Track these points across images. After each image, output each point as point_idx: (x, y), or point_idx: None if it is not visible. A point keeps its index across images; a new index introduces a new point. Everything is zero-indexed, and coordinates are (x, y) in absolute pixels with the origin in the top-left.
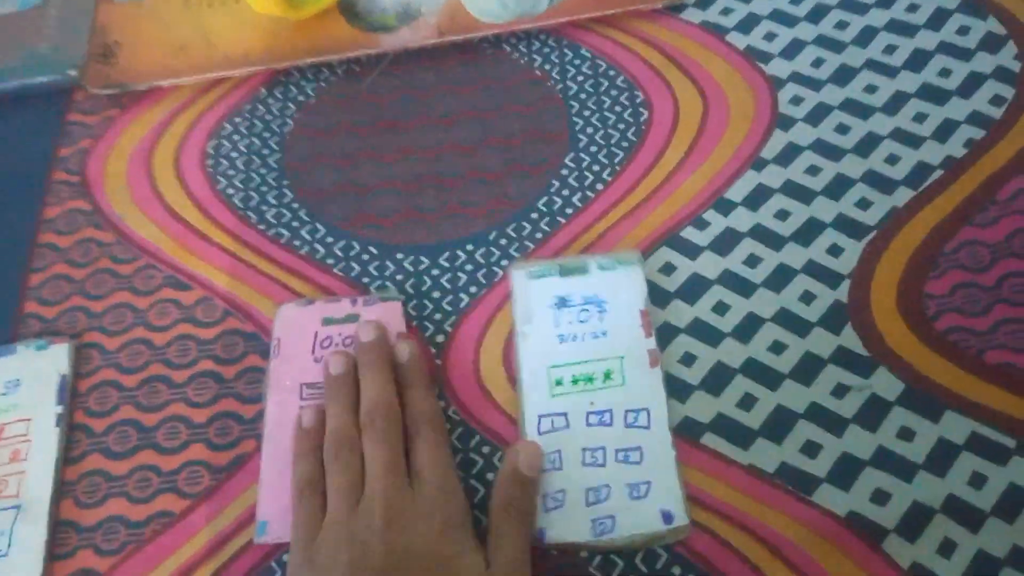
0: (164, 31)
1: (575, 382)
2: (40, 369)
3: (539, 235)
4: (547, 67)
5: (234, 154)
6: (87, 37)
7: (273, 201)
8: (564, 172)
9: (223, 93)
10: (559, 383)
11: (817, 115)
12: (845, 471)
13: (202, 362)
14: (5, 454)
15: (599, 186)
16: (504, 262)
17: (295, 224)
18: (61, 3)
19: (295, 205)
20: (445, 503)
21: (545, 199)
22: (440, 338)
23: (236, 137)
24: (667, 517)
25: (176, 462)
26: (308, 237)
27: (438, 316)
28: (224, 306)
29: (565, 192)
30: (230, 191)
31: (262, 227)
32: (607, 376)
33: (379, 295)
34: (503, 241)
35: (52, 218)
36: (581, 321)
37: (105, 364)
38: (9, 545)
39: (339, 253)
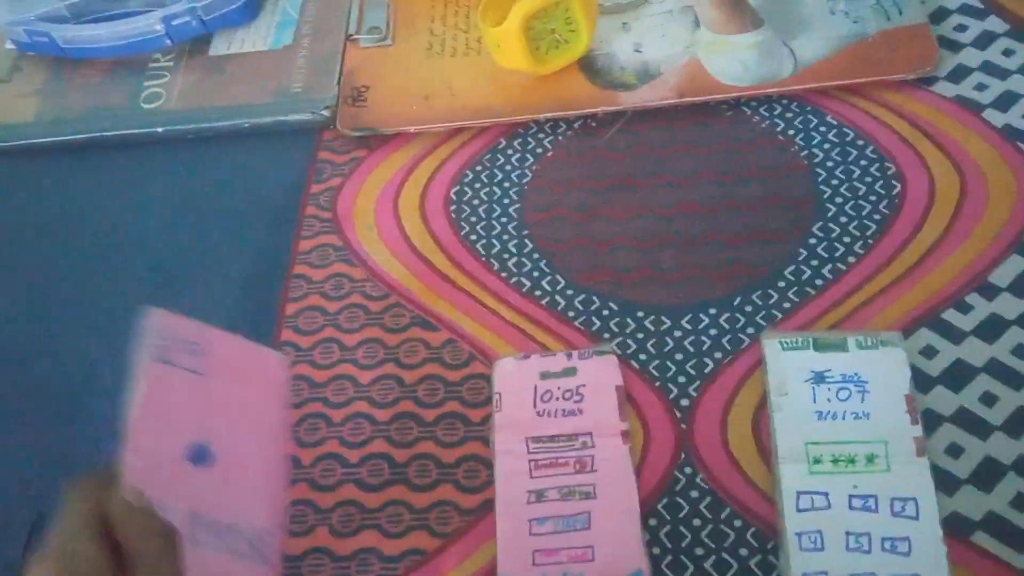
0: (409, 78)
1: (835, 462)
2: None
3: (787, 305)
4: (790, 132)
5: (475, 201)
6: (336, 79)
7: (514, 249)
8: (812, 241)
9: (464, 141)
10: (817, 461)
11: None
12: None
13: (449, 403)
14: None
15: (851, 259)
16: (750, 330)
17: (535, 274)
18: (309, 43)
19: (535, 255)
20: None
21: (792, 268)
22: (684, 402)
23: (477, 185)
24: None
25: (426, 500)
26: (548, 288)
27: (682, 379)
28: (470, 349)
29: (814, 262)
30: (472, 237)
31: (504, 274)
32: (870, 460)
33: (594, 349)
34: (748, 308)
35: (306, 251)
36: (840, 399)
37: (356, 396)
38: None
39: (579, 306)
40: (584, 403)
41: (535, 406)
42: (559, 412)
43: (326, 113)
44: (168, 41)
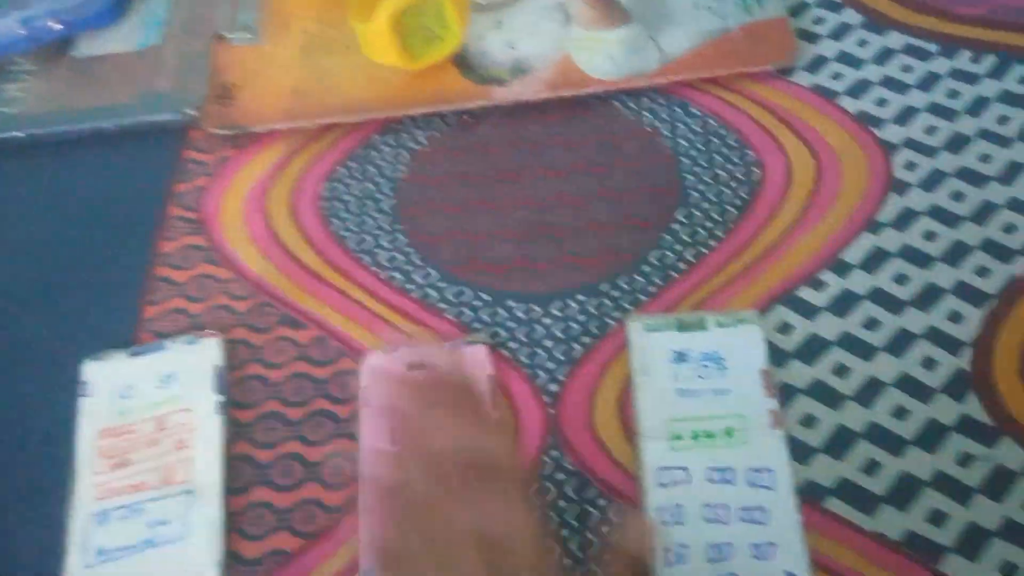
0: (280, 76)
1: (695, 437)
2: (193, 362)
3: (652, 289)
4: (657, 124)
5: (347, 197)
6: (204, 78)
7: (387, 245)
8: (676, 227)
9: (337, 138)
10: (678, 437)
11: (932, 181)
12: (973, 541)
13: (317, 401)
14: (170, 443)
15: (712, 242)
16: (616, 314)
17: (408, 268)
18: (178, 43)
19: (408, 249)
20: None
21: (657, 253)
22: (553, 387)
23: (350, 181)
24: None
25: (291, 500)
26: (421, 281)
27: (551, 365)
28: (339, 346)
29: (678, 247)
30: (344, 233)
31: (376, 270)
32: (728, 433)
33: (464, 339)
34: (615, 293)
35: (168, 252)
36: (700, 377)
37: None
38: (188, 528)
39: (451, 298)
40: None
41: None
42: None
43: (192, 112)
44: (29, 43)
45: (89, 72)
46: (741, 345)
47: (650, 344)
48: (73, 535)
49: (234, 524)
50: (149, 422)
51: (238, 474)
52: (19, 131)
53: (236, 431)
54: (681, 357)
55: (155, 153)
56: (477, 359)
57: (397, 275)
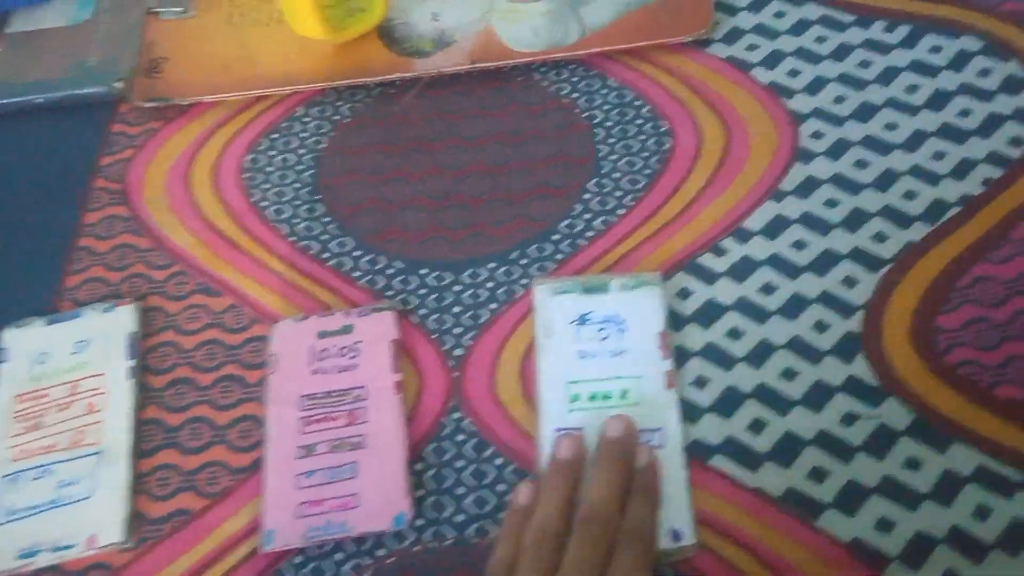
0: (209, 49)
1: (592, 398)
2: (107, 329)
3: (560, 256)
4: (575, 95)
5: (269, 168)
6: (135, 51)
7: (305, 214)
8: (587, 196)
9: (262, 110)
10: (576, 399)
11: (838, 150)
12: (851, 498)
13: (227, 367)
14: (81, 407)
15: (620, 211)
16: (524, 281)
17: (324, 237)
18: (110, 18)
19: (326, 219)
20: None
21: (567, 222)
22: (458, 352)
23: (272, 152)
24: (676, 535)
25: (197, 462)
26: (337, 250)
27: (458, 330)
28: (252, 314)
29: (587, 216)
30: (264, 203)
31: (292, 239)
32: (624, 395)
33: (372, 306)
34: (524, 261)
35: (92, 223)
36: (601, 339)
37: None
38: (95, 488)
39: (365, 267)
40: (359, 358)
41: (311, 365)
42: (335, 368)
43: (119, 85)
44: None
45: (23, 47)
46: (642, 307)
47: (554, 306)
48: None
49: (141, 485)
50: (62, 387)
51: (147, 437)
52: None
53: (147, 396)
54: (583, 319)
55: (84, 126)
56: (383, 324)
57: (313, 244)
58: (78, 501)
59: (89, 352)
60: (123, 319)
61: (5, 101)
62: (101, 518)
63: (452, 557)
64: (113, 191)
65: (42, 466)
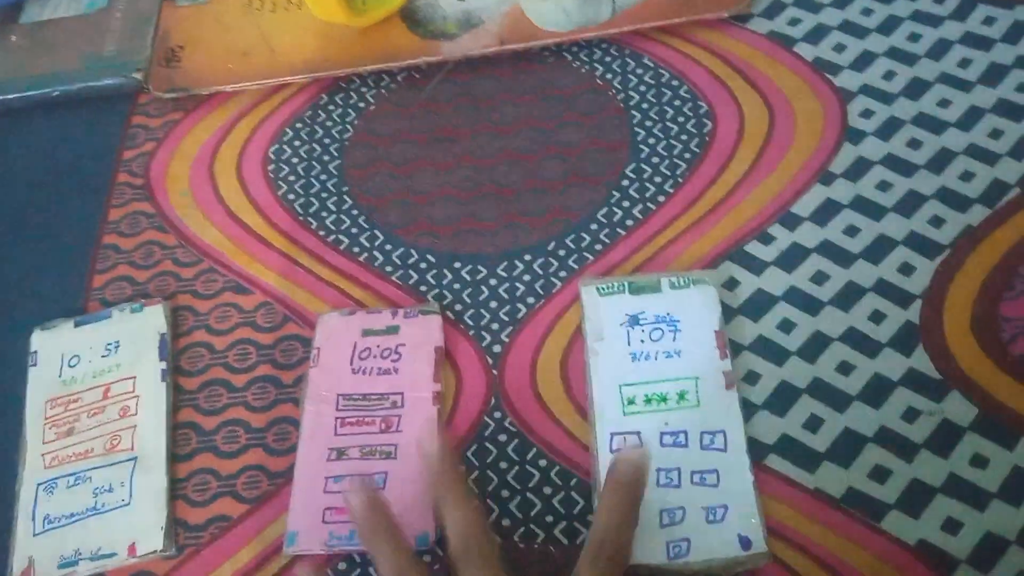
0: (227, 36)
1: (648, 401)
2: (137, 329)
3: (599, 247)
4: (608, 76)
5: (294, 159)
6: (151, 40)
7: (332, 207)
8: (625, 183)
9: (284, 99)
10: (631, 402)
11: (888, 129)
12: (915, 498)
13: (261, 367)
14: (114, 411)
15: (661, 198)
16: (562, 273)
17: (354, 230)
18: (125, 6)
19: (354, 211)
20: None
21: (605, 210)
22: (497, 348)
23: (297, 143)
24: (745, 543)
25: (235, 466)
26: (367, 244)
27: (495, 326)
28: (284, 311)
29: (626, 203)
30: (290, 196)
31: (322, 233)
32: (681, 397)
33: (420, 308)
34: (562, 252)
35: (116, 220)
36: (653, 340)
37: None
38: (133, 494)
39: (397, 261)
40: (401, 362)
41: (351, 363)
42: (375, 370)
43: (138, 76)
44: None
45: (38, 38)
46: (695, 306)
47: (603, 308)
48: (21, 504)
49: (178, 490)
50: (94, 391)
51: (182, 441)
52: None
53: (181, 398)
54: (635, 320)
55: (104, 118)
56: (428, 329)
57: (343, 238)
58: (116, 508)
59: (120, 354)
60: (153, 319)
61: (21, 95)
62: (141, 525)
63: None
64: (136, 186)
65: (77, 473)
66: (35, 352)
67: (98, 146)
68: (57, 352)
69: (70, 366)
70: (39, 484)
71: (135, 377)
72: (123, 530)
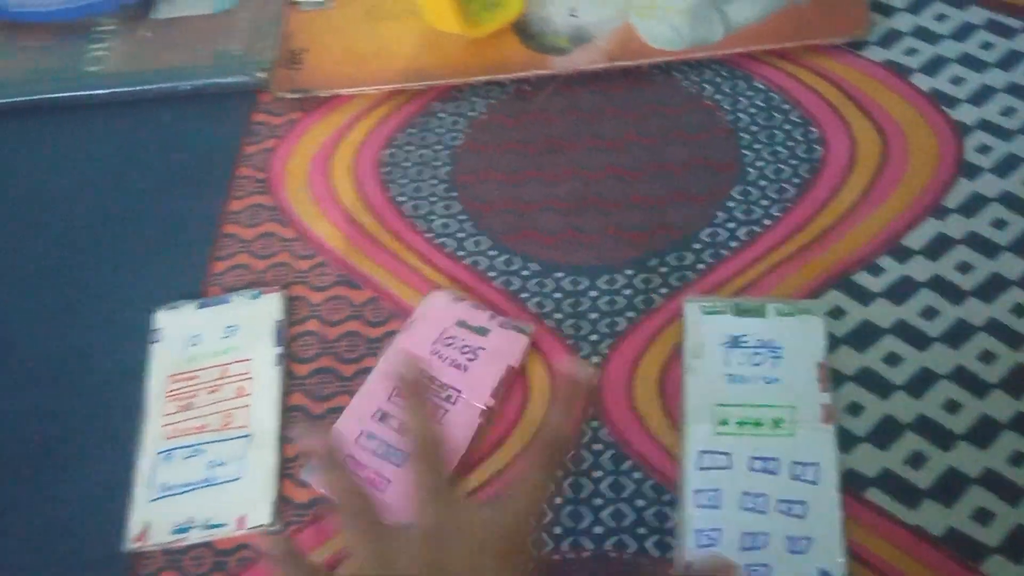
0: (347, 41)
1: (741, 424)
2: (255, 315)
3: (701, 266)
4: (717, 97)
5: (406, 163)
6: (275, 41)
7: (441, 211)
8: (731, 204)
9: (399, 104)
10: (724, 423)
11: (1006, 166)
12: (1020, 544)
13: (367, 359)
14: (231, 390)
15: (767, 221)
16: (664, 290)
17: (460, 235)
18: (253, 7)
19: (461, 217)
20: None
21: (709, 230)
22: (595, 360)
23: (409, 147)
24: None
25: None
26: (472, 248)
27: (594, 338)
28: (391, 308)
29: (731, 225)
30: (401, 198)
31: (430, 235)
32: (776, 424)
33: (515, 322)
34: (663, 269)
35: (237, 211)
36: (754, 364)
37: None
38: (244, 470)
39: (500, 267)
40: (474, 364)
41: (433, 344)
42: (449, 361)
43: (262, 76)
44: (113, 5)
45: (167, 34)
46: (800, 335)
47: (706, 326)
48: (140, 471)
49: (287, 470)
50: (213, 369)
51: (292, 423)
52: (102, 89)
53: (292, 383)
54: (736, 342)
55: (227, 114)
56: (512, 345)
57: (449, 241)
58: (229, 481)
59: (238, 337)
60: (270, 307)
61: (153, 87)
62: (251, 499)
63: (590, 568)
64: (257, 180)
65: (194, 445)
66: (159, 329)
67: (221, 140)
68: (180, 331)
69: (192, 344)
70: (158, 453)
71: (250, 359)
72: (234, 503)
